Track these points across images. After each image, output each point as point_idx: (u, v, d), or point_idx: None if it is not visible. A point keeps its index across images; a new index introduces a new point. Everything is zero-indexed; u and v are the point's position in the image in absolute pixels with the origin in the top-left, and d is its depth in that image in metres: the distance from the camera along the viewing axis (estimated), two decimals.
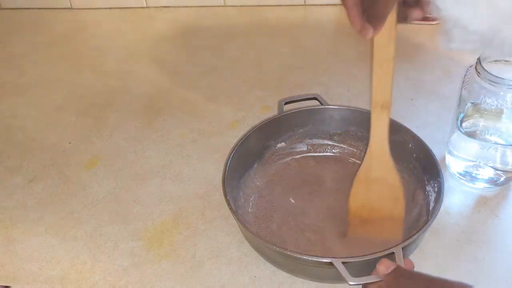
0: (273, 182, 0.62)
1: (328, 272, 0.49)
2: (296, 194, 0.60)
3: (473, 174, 0.59)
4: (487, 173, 0.59)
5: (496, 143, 0.57)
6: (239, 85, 0.80)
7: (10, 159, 0.69)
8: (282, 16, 0.98)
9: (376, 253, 0.45)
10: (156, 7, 1.03)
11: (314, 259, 0.47)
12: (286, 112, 0.63)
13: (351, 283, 0.43)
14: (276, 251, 0.48)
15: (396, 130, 0.60)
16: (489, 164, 0.58)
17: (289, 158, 0.65)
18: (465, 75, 0.56)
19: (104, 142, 0.71)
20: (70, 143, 0.71)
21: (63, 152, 0.70)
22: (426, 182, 0.57)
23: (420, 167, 0.58)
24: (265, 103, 0.75)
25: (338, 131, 0.64)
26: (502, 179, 0.59)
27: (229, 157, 0.57)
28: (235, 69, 0.84)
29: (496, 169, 0.58)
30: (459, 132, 0.58)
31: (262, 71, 0.83)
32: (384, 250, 0.45)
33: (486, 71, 0.51)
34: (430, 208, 0.54)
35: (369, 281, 0.43)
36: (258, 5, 1.01)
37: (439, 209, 0.50)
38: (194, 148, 0.69)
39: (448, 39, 0.41)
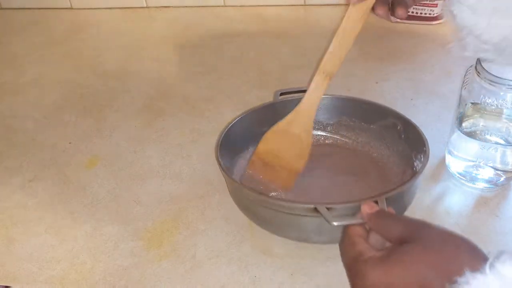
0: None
1: (312, 222, 0.49)
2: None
3: (473, 174, 0.59)
4: (487, 173, 0.59)
5: (496, 143, 0.57)
6: (239, 85, 0.80)
7: (10, 159, 0.69)
8: (282, 16, 0.98)
9: (359, 200, 0.46)
10: (156, 7, 1.03)
11: (299, 205, 0.48)
12: (280, 99, 0.64)
13: (334, 223, 0.44)
14: (261, 200, 0.49)
15: (385, 115, 0.62)
16: (489, 164, 0.58)
17: None
18: (465, 75, 0.56)
19: (104, 142, 0.71)
20: (70, 143, 0.71)
21: (63, 152, 0.70)
22: (414, 158, 0.58)
23: (408, 147, 0.60)
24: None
25: (331, 122, 0.66)
26: (502, 179, 0.59)
27: (225, 129, 0.59)
28: (235, 69, 0.84)
29: (496, 169, 0.58)
30: (459, 132, 0.58)
31: (262, 71, 0.83)
32: (368, 198, 0.46)
33: (486, 71, 0.51)
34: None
35: (352, 223, 0.43)
36: (258, 5, 1.01)
37: (426, 164, 0.52)
38: (194, 148, 0.69)
39: (461, 47, 0.42)
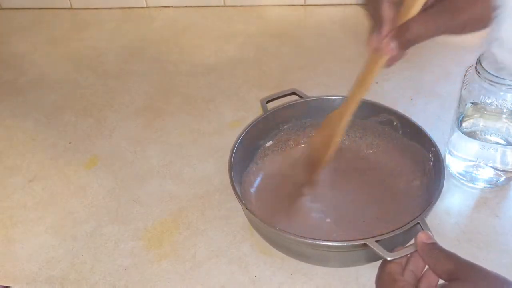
0: (269, 180, 0.62)
1: (358, 254, 0.51)
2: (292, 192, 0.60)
3: (473, 174, 0.59)
4: (487, 173, 0.59)
5: (496, 143, 0.57)
6: (239, 85, 0.80)
7: (10, 159, 0.69)
8: (282, 16, 0.98)
9: (403, 226, 0.47)
10: (156, 7, 1.03)
11: (349, 243, 0.48)
12: (272, 109, 0.63)
13: (389, 258, 0.45)
14: (308, 243, 0.49)
15: (378, 111, 0.63)
16: (489, 164, 0.58)
17: (279, 155, 0.65)
18: (465, 75, 0.56)
19: (104, 142, 0.71)
20: (70, 143, 0.71)
21: (63, 152, 0.70)
22: (419, 154, 0.59)
23: (411, 142, 0.60)
24: None
25: (321, 121, 0.65)
26: (502, 179, 0.59)
27: (232, 154, 0.57)
28: (235, 69, 0.84)
29: (496, 169, 0.58)
30: (459, 132, 0.58)
31: (262, 71, 0.83)
32: (409, 222, 0.48)
33: (486, 71, 0.51)
34: (428, 175, 0.57)
35: (406, 253, 0.45)
36: (258, 5, 1.01)
37: (444, 176, 0.53)
38: (194, 148, 0.69)
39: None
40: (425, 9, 0.41)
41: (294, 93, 0.65)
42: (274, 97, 0.65)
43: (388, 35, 0.42)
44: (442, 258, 0.42)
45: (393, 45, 0.42)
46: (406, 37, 0.41)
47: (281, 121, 0.65)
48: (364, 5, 0.45)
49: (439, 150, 0.56)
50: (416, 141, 0.60)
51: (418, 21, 0.40)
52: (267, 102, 0.64)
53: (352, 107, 0.52)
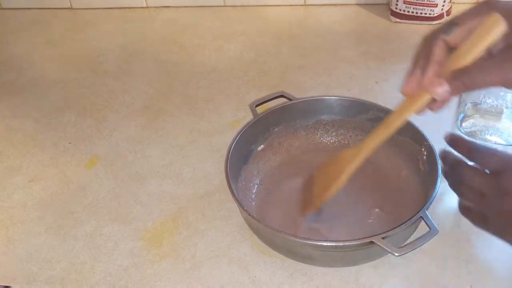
0: (262, 184, 0.62)
1: (361, 253, 0.50)
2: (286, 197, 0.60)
3: None
4: None
5: (496, 143, 0.57)
6: (239, 85, 0.80)
7: (10, 159, 0.69)
8: (282, 16, 0.98)
9: (407, 221, 0.48)
10: (156, 7, 1.03)
11: (356, 242, 0.47)
12: (262, 113, 0.63)
13: (397, 254, 0.45)
14: (314, 245, 0.49)
15: (366, 108, 0.63)
16: None
17: (271, 157, 0.65)
18: None
19: (104, 142, 0.71)
20: (70, 143, 0.71)
21: (63, 152, 0.70)
22: (411, 148, 0.59)
23: (402, 137, 0.60)
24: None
25: (310, 123, 0.66)
26: None
27: (228, 155, 0.57)
28: (235, 69, 0.84)
29: None
30: (459, 132, 0.58)
31: (262, 71, 0.83)
32: (412, 217, 0.48)
33: None
34: (425, 170, 0.57)
35: (415, 247, 0.45)
36: (258, 5, 1.01)
37: (439, 168, 0.53)
38: (194, 148, 0.69)
39: None
40: (487, 58, 0.38)
41: (282, 96, 0.65)
42: (262, 100, 0.65)
43: (440, 76, 0.39)
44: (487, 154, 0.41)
45: (445, 87, 0.39)
46: (463, 82, 0.38)
47: (272, 124, 0.64)
48: (419, 44, 0.42)
49: (431, 143, 0.56)
50: (407, 136, 0.60)
51: (482, 68, 0.37)
52: (256, 106, 0.64)
53: (370, 149, 0.49)
